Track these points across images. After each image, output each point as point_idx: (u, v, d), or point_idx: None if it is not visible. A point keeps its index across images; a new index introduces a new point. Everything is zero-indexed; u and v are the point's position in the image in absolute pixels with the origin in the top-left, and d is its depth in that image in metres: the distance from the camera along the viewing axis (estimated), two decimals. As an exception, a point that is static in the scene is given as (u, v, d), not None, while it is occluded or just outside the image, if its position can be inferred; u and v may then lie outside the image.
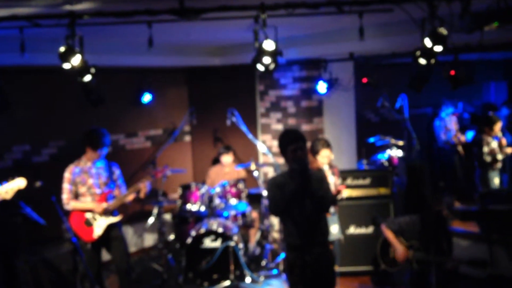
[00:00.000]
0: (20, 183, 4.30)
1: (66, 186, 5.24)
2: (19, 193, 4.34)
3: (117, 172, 5.49)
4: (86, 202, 5.27)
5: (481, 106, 11.34)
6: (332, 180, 5.42)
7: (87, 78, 4.24)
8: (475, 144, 7.51)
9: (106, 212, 5.28)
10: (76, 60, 4.03)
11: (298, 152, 4.05)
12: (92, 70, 4.24)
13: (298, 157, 4.04)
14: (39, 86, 6.55)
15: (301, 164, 4.02)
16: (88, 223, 5.24)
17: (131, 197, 5.39)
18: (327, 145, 5.34)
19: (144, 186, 5.38)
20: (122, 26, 4.32)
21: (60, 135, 6.82)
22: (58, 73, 4.20)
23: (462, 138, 8.73)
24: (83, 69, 4.15)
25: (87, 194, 5.28)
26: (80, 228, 5.23)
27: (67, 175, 5.26)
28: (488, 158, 7.26)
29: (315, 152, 5.30)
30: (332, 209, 5.39)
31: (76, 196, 5.28)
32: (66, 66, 4.04)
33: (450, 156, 8.74)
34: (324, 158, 5.32)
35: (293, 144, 4.05)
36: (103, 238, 5.30)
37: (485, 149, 7.27)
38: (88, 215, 5.25)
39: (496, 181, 7.36)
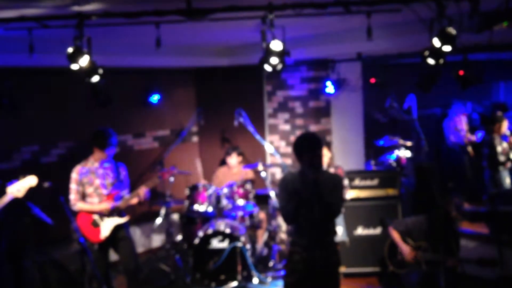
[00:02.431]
0: (31, 181, 4.32)
1: (73, 187, 5.26)
2: (28, 193, 4.36)
3: (123, 173, 5.51)
4: (93, 203, 5.28)
5: (490, 106, 11.26)
6: None
7: (95, 78, 4.25)
8: (485, 145, 7.45)
9: (113, 213, 5.30)
10: (84, 61, 4.04)
11: (315, 161, 4.03)
12: (100, 70, 4.25)
13: (314, 164, 4.03)
14: (48, 86, 6.58)
15: (315, 171, 4.02)
16: (95, 224, 5.25)
17: (134, 201, 5.40)
18: (325, 143, 5.29)
19: (143, 194, 5.38)
20: (130, 27, 4.34)
21: (68, 135, 6.84)
22: (67, 73, 4.22)
23: (472, 138, 8.66)
24: (91, 69, 4.17)
25: (94, 194, 5.29)
26: (87, 229, 5.24)
27: (74, 175, 5.27)
28: (502, 158, 7.21)
29: None
30: None
31: (83, 196, 5.29)
32: (74, 67, 4.06)
33: (460, 156, 8.67)
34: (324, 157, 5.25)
35: (311, 153, 4.01)
36: (110, 239, 5.31)
37: (499, 148, 7.22)
38: (95, 216, 5.27)
39: (507, 180, 7.30)
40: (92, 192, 5.29)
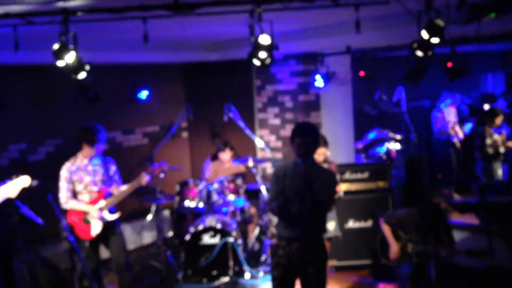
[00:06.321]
0: (24, 181, 4.27)
1: (63, 185, 5.20)
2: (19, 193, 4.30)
3: (113, 168, 5.47)
4: (83, 201, 5.24)
5: (479, 97, 11.33)
6: None
7: (82, 75, 4.21)
8: (477, 136, 7.47)
9: (104, 211, 5.26)
10: (70, 57, 3.99)
11: (301, 148, 4.05)
12: (87, 67, 4.21)
13: (301, 152, 4.05)
14: (35, 84, 6.52)
15: (306, 164, 4.04)
16: (86, 221, 5.22)
17: (133, 188, 5.42)
18: (324, 142, 5.33)
19: (145, 181, 5.44)
20: (117, 22, 4.29)
21: (56, 133, 6.78)
22: (54, 71, 4.17)
23: (460, 132, 8.70)
24: (78, 66, 4.12)
25: (84, 191, 5.25)
26: (78, 226, 5.21)
27: (64, 173, 5.21)
28: (490, 150, 7.23)
29: None
30: None
31: (74, 194, 5.25)
32: (60, 63, 4.01)
33: (446, 148, 8.72)
34: (319, 156, 5.28)
35: (299, 139, 4.06)
36: (101, 236, 5.28)
37: (488, 141, 7.25)
38: (86, 213, 5.23)
39: (499, 172, 7.34)
40: (82, 189, 5.25)
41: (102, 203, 5.25)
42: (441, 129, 8.68)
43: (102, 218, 5.24)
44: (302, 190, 4.02)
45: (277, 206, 4.01)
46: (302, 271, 4.12)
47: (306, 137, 4.07)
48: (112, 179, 5.43)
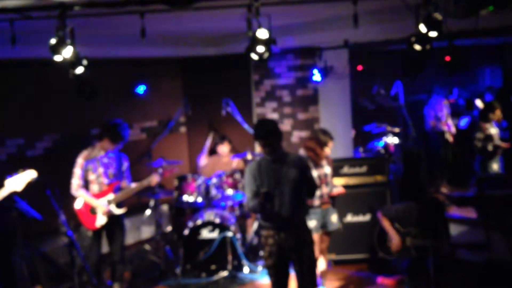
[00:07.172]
0: (31, 174, 4.28)
1: (77, 171, 5.25)
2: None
3: (125, 164, 5.55)
4: (93, 192, 5.31)
5: (476, 91, 11.33)
6: (328, 171, 5.42)
7: (79, 70, 4.20)
8: (472, 130, 7.44)
9: (112, 203, 5.30)
10: (67, 52, 3.99)
11: (266, 148, 4.22)
12: (84, 62, 4.20)
13: (267, 152, 4.23)
14: (32, 79, 6.50)
15: (273, 157, 4.21)
16: (93, 211, 5.27)
17: (141, 187, 5.54)
18: (331, 137, 5.40)
19: (156, 181, 5.61)
20: (114, 17, 4.28)
21: (54, 128, 6.77)
22: (51, 65, 4.16)
23: (452, 126, 8.68)
24: (75, 61, 4.11)
25: (95, 182, 5.30)
26: (84, 215, 5.25)
27: (80, 160, 5.27)
28: (478, 144, 7.18)
29: (324, 144, 5.31)
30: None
31: (86, 183, 5.29)
32: (58, 58, 4.00)
33: (438, 142, 8.72)
34: (329, 149, 5.39)
35: (261, 141, 4.21)
36: (106, 227, 5.34)
37: (479, 135, 7.19)
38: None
39: (495, 166, 7.32)
40: (94, 180, 5.30)
41: (111, 196, 5.29)
42: (433, 126, 8.68)
43: (109, 212, 5.28)
44: (279, 181, 4.17)
45: (259, 204, 4.14)
46: (293, 257, 4.28)
47: (268, 137, 4.20)
48: (123, 175, 5.47)
